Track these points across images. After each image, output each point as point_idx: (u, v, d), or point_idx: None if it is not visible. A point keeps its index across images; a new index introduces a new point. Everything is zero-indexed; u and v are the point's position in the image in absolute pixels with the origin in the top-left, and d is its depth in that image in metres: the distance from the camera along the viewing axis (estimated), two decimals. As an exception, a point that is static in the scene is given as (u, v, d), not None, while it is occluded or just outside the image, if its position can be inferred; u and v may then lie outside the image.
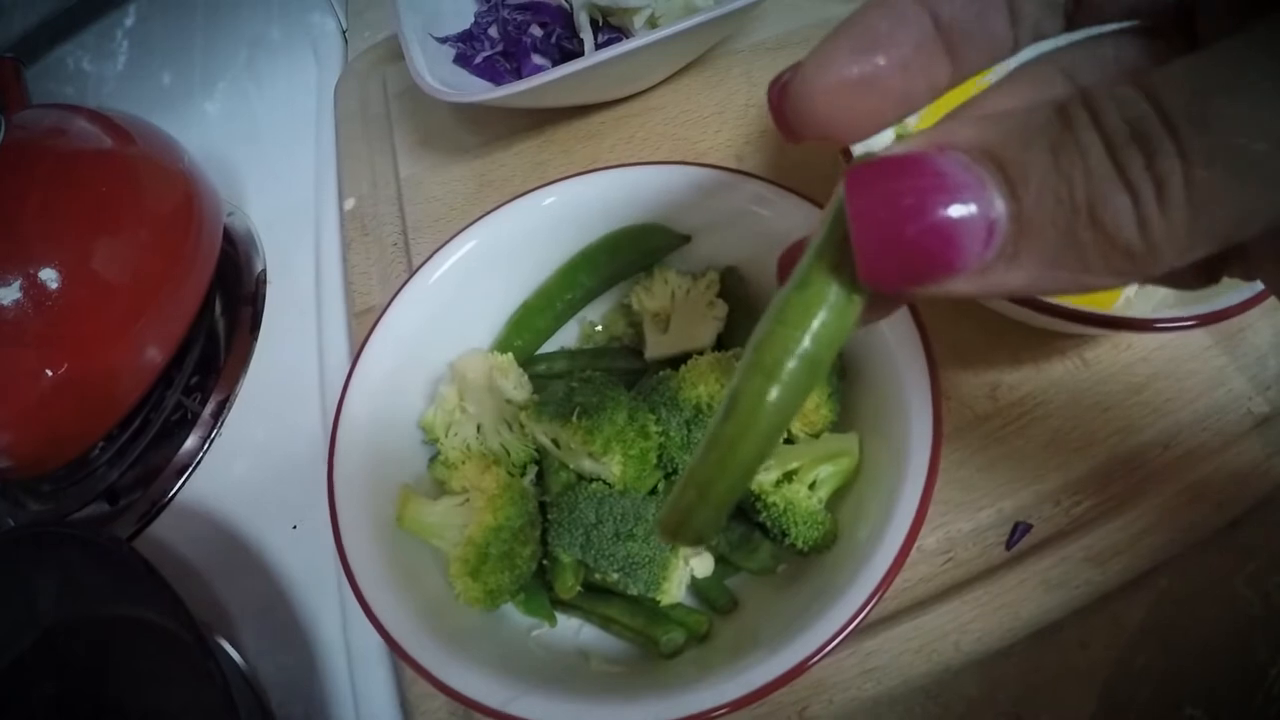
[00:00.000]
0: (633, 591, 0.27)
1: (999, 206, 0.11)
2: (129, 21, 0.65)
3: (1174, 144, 0.10)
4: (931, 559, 0.31)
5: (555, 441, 0.31)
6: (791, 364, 0.13)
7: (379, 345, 0.31)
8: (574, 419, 0.28)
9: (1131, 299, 0.32)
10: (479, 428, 0.32)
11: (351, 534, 0.29)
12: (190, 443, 0.47)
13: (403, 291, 0.31)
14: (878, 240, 0.11)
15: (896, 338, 0.28)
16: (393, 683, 0.36)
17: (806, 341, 0.13)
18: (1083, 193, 0.10)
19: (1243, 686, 0.28)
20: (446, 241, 0.32)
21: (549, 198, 0.33)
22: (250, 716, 0.34)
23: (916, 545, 0.25)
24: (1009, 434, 0.33)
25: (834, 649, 0.23)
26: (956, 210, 0.11)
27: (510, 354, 0.32)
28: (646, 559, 0.27)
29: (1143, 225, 0.10)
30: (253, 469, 0.44)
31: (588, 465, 0.30)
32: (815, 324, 0.13)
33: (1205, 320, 0.28)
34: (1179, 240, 0.10)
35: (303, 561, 0.40)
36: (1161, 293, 0.31)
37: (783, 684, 0.23)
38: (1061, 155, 0.11)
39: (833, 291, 0.13)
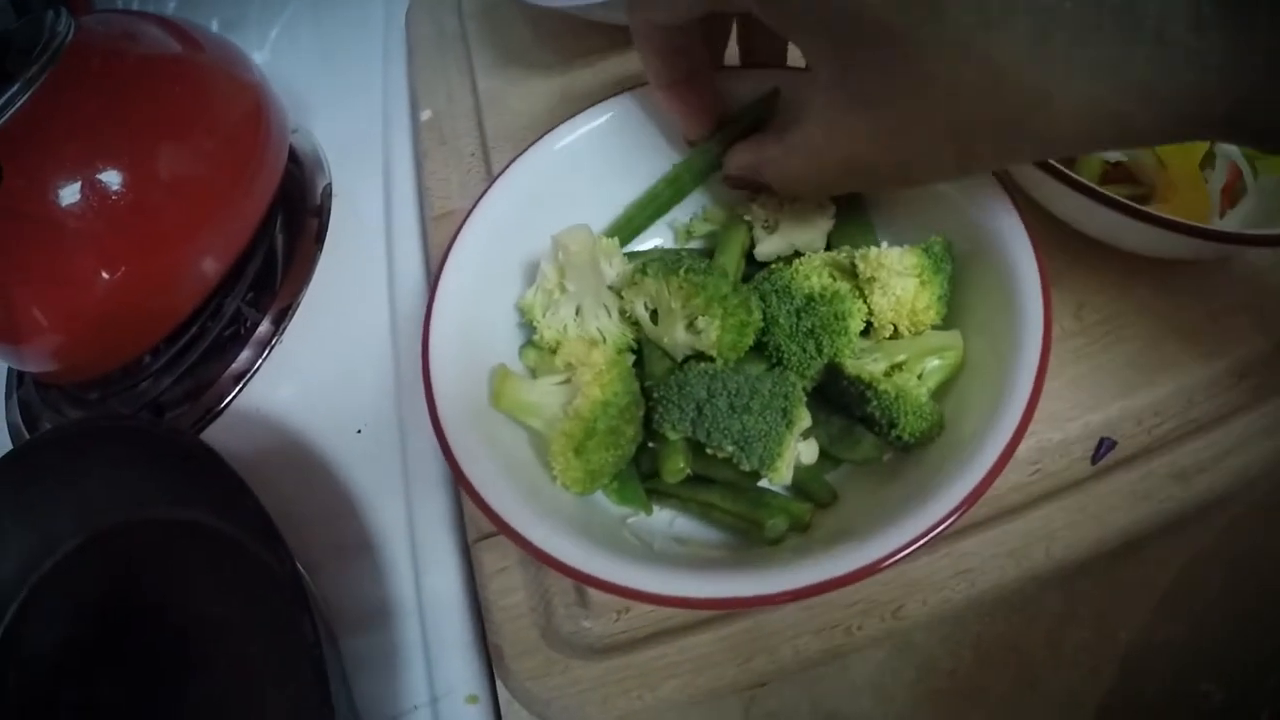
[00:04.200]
0: (747, 467, 0.27)
1: None
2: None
3: None
4: (1022, 467, 0.32)
5: (653, 315, 0.30)
6: None
7: (483, 216, 0.30)
8: (680, 273, 0.28)
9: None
10: (578, 309, 0.31)
11: (448, 411, 0.29)
12: (246, 354, 0.46)
13: (522, 156, 0.31)
14: None
15: (1008, 237, 0.28)
16: (463, 585, 0.35)
17: None
18: None
19: (1260, 665, 0.28)
20: (575, 114, 0.32)
21: None
22: (313, 622, 0.33)
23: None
24: (1094, 352, 0.34)
25: (931, 541, 0.23)
26: None
27: (615, 238, 0.32)
28: (762, 433, 0.26)
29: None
30: (315, 375, 0.43)
31: (683, 337, 0.29)
32: None
33: None
34: None
35: (367, 465, 0.40)
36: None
37: (872, 572, 0.23)
38: None
39: None
